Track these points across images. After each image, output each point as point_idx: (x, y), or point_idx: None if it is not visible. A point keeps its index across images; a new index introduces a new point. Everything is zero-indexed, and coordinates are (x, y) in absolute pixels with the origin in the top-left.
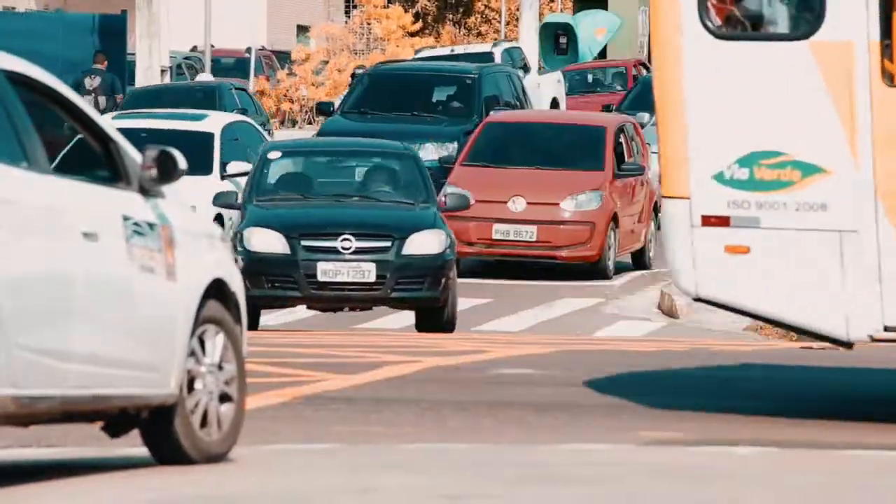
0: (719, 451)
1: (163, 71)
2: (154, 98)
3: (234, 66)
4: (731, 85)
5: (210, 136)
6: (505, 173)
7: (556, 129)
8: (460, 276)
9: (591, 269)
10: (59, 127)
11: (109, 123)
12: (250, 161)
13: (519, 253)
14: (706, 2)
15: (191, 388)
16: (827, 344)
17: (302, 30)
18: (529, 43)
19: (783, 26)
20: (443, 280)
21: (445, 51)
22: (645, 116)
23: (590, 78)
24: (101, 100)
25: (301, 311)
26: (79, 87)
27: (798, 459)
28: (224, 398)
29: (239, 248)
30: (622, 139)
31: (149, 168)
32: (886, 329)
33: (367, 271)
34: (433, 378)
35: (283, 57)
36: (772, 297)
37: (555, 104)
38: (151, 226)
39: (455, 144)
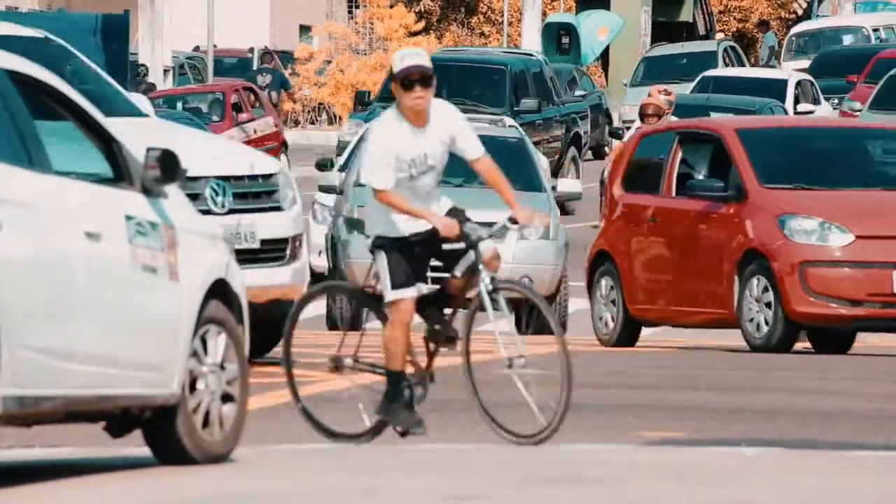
0: (723, 451)
1: (165, 71)
2: None
3: (236, 66)
4: None
5: None
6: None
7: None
8: None
9: None
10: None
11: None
12: None
13: None
14: None
15: (193, 388)
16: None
17: (305, 29)
18: (532, 43)
19: None
20: None
21: None
22: None
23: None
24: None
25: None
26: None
27: (801, 459)
28: (226, 398)
29: None
30: None
31: (152, 168)
32: None
33: None
34: (436, 378)
35: (286, 57)
36: None
37: None
38: (154, 226)
39: None
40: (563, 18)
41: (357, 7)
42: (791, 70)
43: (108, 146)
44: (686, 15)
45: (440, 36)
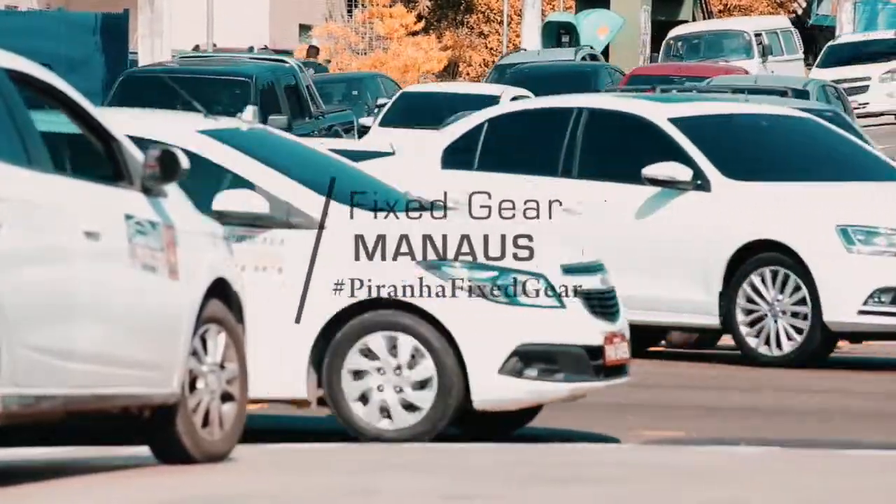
0: (721, 450)
1: None
2: None
3: None
4: None
5: None
6: None
7: None
8: None
9: None
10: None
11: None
12: None
13: None
14: None
15: (193, 387)
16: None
17: (304, 29)
18: (531, 43)
19: None
20: None
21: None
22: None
23: None
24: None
25: None
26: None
27: (800, 459)
28: (226, 397)
29: None
30: None
31: (151, 167)
32: None
33: None
34: None
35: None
36: None
37: None
38: (154, 225)
39: None
40: (563, 17)
41: (356, 6)
42: (505, 87)
43: (108, 145)
44: (686, 14)
45: (440, 35)
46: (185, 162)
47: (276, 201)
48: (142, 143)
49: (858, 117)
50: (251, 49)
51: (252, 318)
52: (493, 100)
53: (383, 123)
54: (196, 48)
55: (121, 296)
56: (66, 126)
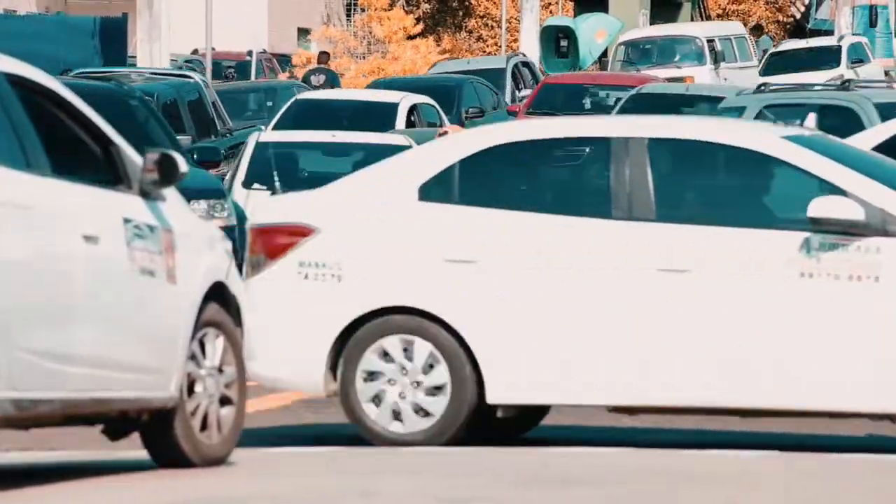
0: (721, 453)
1: None
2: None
3: (235, 69)
4: None
5: None
6: None
7: None
8: None
9: None
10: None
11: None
12: None
13: None
14: None
15: (191, 391)
16: None
17: (303, 32)
18: (530, 47)
19: None
20: None
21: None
22: None
23: None
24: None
25: None
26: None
27: (800, 462)
28: (224, 401)
29: None
30: None
31: (150, 171)
32: None
33: None
34: None
35: (284, 60)
36: None
37: None
38: (152, 228)
39: None
40: (561, 22)
41: (355, 10)
42: (404, 94)
43: (106, 149)
44: (684, 18)
45: (438, 39)
46: (183, 166)
47: (870, 208)
48: (724, 149)
49: None
50: (250, 53)
51: (846, 328)
52: (391, 107)
53: (276, 129)
54: (195, 52)
55: (119, 299)
56: None
